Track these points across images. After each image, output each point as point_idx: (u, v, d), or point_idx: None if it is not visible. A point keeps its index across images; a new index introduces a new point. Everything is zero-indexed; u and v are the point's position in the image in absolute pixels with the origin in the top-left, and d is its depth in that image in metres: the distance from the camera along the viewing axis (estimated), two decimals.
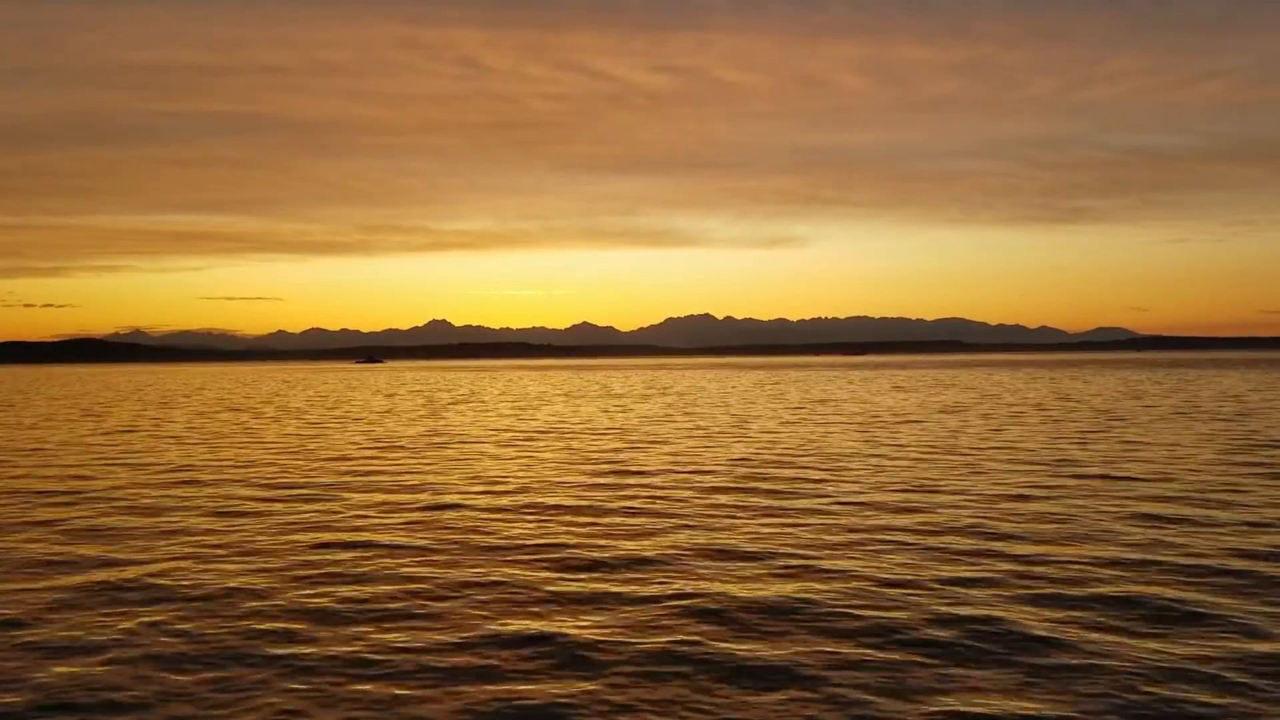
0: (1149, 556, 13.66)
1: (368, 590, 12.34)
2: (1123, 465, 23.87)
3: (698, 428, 37.28)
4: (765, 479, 22.11)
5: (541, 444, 31.63)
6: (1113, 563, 13.33)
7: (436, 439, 33.95)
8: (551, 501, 19.22)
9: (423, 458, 27.75)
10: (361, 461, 27.03)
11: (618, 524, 16.69)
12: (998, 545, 14.52)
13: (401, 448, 30.82)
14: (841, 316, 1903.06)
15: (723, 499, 19.31)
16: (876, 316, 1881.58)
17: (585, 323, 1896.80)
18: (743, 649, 9.94)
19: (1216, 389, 64.94)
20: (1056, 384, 79.23)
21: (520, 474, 23.67)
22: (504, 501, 19.33)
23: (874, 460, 25.57)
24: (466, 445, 31.41)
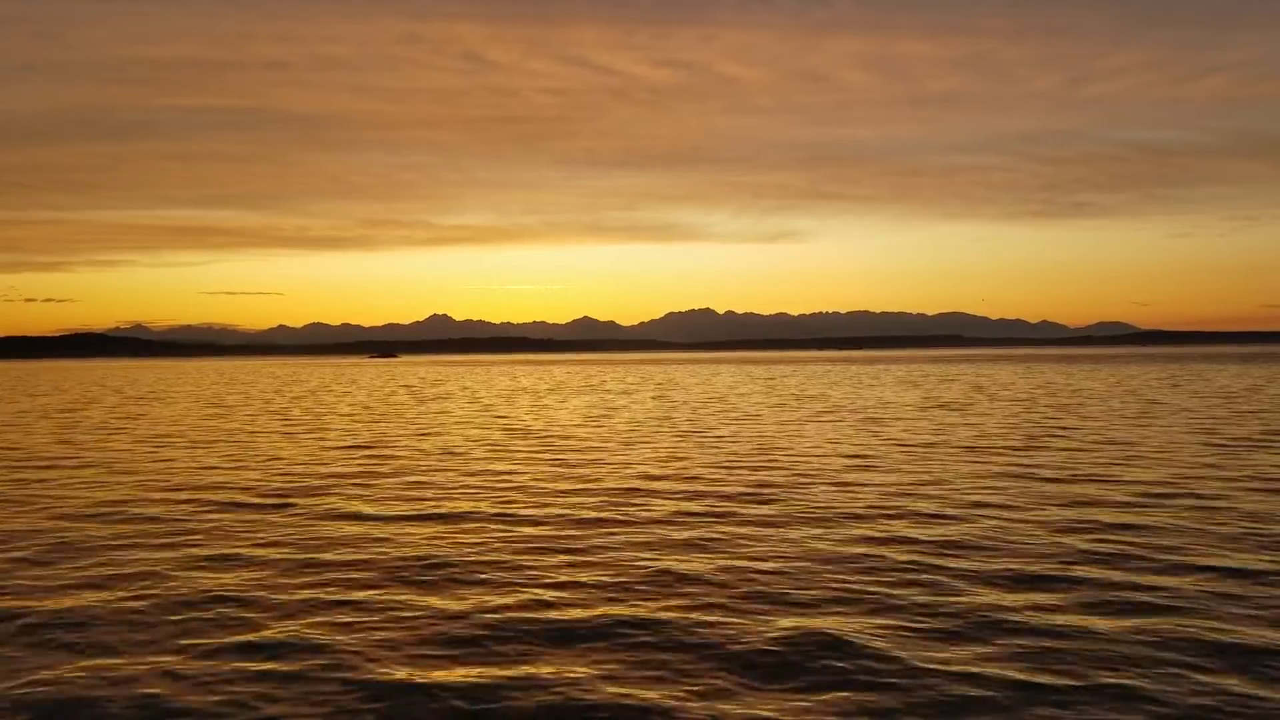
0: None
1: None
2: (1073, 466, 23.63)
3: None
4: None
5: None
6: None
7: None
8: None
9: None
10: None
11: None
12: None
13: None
14: (842, 311, 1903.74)
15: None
16: (878, 311, 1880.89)
17: (586, 317, 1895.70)
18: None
19: (1204, 385, 64.70)
20: (1048, 379, 78.96)
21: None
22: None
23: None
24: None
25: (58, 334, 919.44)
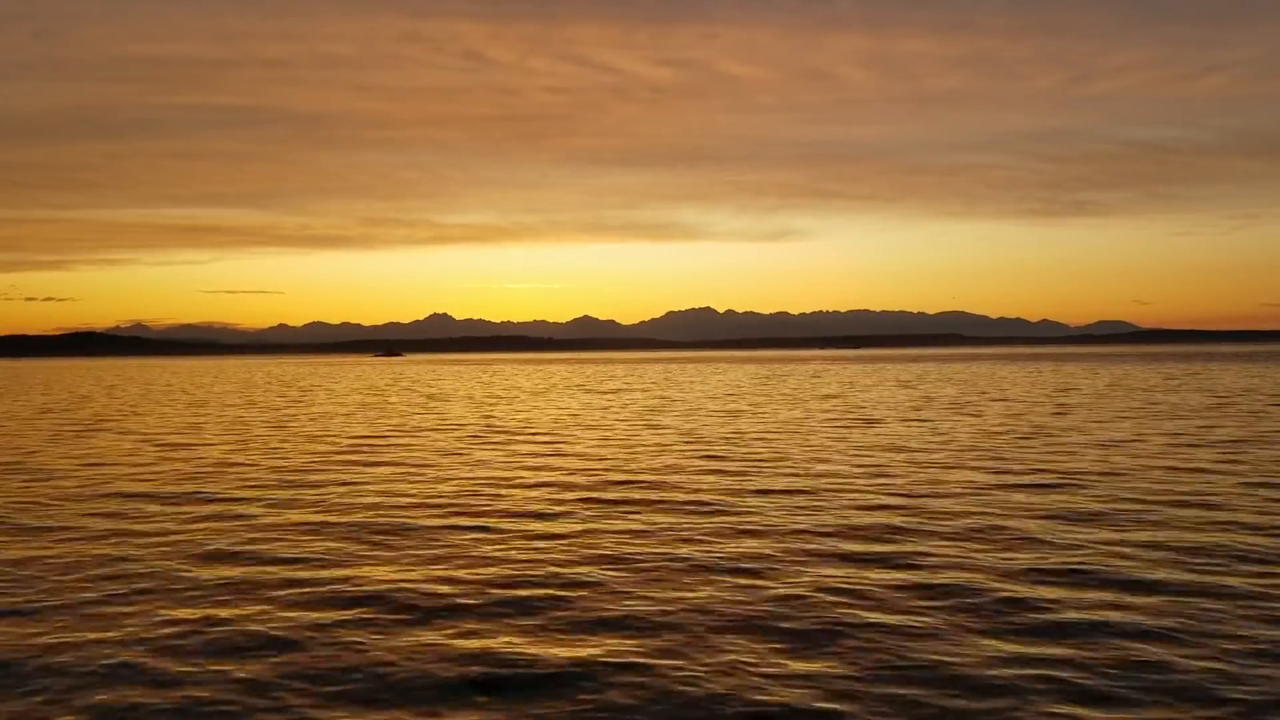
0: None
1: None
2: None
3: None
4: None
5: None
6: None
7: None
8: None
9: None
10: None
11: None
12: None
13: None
14: (843, 310, 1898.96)
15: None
16: (878, 310, 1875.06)
17: (586, 316, 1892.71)
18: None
19: (1201, 384, 64.03)
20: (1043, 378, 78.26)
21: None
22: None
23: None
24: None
25: (58, 333, 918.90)
